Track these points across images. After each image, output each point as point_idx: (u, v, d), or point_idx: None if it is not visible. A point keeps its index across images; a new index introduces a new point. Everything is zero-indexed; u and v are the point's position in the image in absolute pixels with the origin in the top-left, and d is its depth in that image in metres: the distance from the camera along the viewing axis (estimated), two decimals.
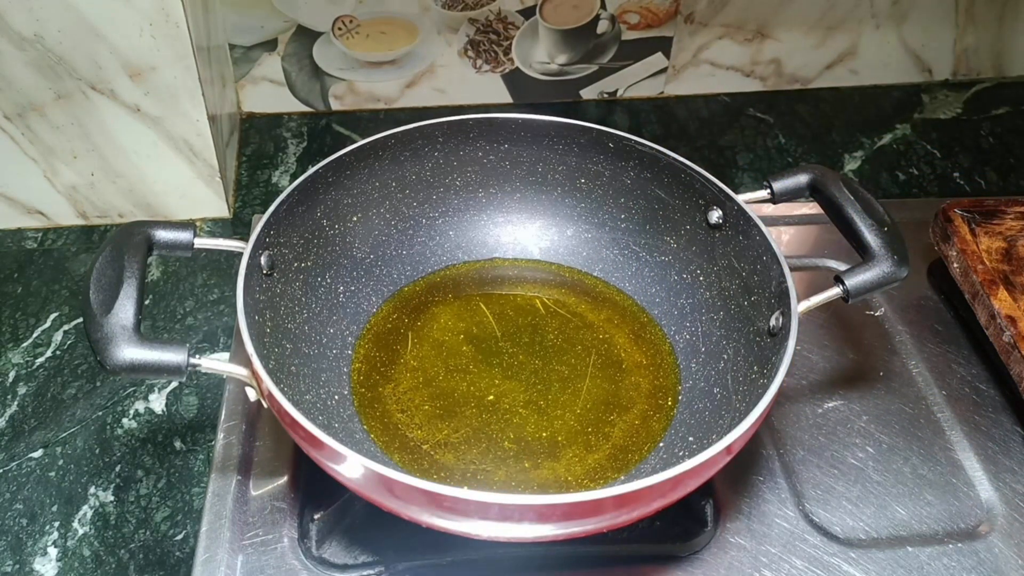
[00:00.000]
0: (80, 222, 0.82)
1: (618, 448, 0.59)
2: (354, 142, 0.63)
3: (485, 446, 0.59)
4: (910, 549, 0.58)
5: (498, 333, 0.66)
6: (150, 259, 0.54)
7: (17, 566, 0.59)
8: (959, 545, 0.58)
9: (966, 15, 0.95)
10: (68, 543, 0.60)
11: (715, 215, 0.62)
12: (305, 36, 0.89)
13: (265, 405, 0.51)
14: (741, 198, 0.60)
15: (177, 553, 0.60)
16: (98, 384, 0.69)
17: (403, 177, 0.67)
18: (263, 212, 0.58)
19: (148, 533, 0.61)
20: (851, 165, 0.92)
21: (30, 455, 0.65)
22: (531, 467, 0.58)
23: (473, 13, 0.89)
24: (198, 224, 0.82)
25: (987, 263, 0.70)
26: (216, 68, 0.81)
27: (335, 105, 0.95)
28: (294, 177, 0.87)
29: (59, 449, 0.65)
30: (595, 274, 0.70)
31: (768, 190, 0.60)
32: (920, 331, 0.72)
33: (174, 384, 0.69)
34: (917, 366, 0.69)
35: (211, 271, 0.78)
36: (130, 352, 0.47)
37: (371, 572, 0.55)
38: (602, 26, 0.91)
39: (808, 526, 0.59)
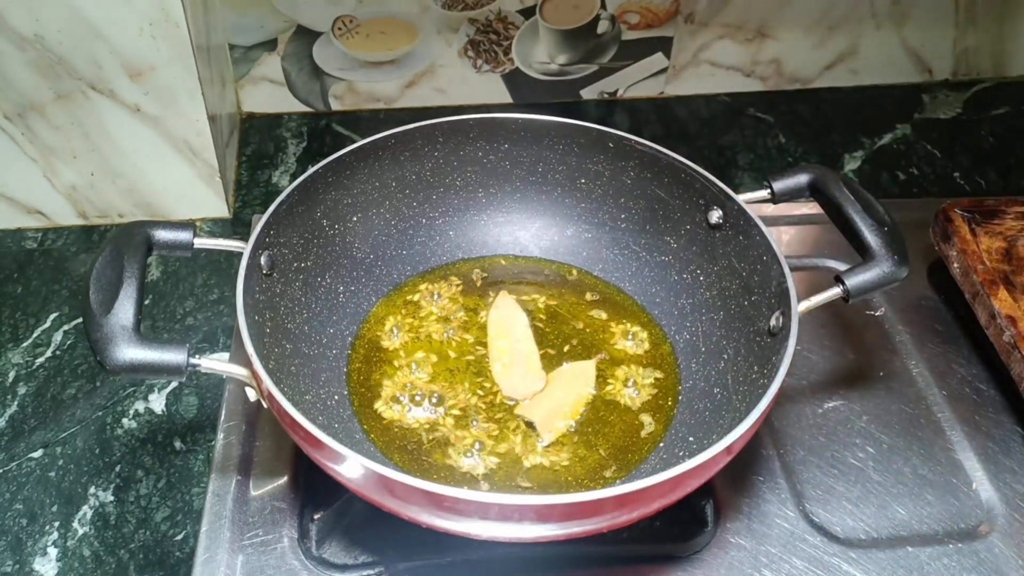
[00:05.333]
0: (80, 222, 0.82)
1: (618, 448, 0.59)
2: (354, 142, 0.63)
3: (485, 446, 0.59)
4: (910, 549, 0.58)
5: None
6: (150, 259, 0.54)
7: (17, 566, 0.59)
8: (959, 545, 0.58)
9: (966, 15, 0.95)
10: (68, 543, 0.60)
11: (715, 215, 0.62)
12: (305, 36, 0.89)
13: (265, 405, 0.51)
14: (741, 198, 0.60)
15: (177, 553, 0.60)
16: (98, 384, 0.69)
17: (403, 177, 0.67)
18: (263, 212, 0.58)
19: (148, 533, 0.61)
20: (851, 165, 0.92)
21: (30, 455, 0.65)
22: (531, 467, 0.58)
23: (473, 13, 0.89)
24: (198, 224, 0.82)
25: (987, 263, 0.70)
26: (216, 68, 0.81)
27: (335, 105, 0.95)
28: (294, 177, 0.86)
29: (59, 449, 0.65)
30: (595, 274, 0.70)
31: (768, 190, 0.60)
32: (920, 331, 0.72)
33: (174, 384, 0.69)
34: (917, 366, 0.69)
35: (211, 271, 0.78)
36: (130, 352, 0.47)
37: (371, 572, 0.55)
38: (602, 26, 0.91)
39: (808, 526, 0.59)
